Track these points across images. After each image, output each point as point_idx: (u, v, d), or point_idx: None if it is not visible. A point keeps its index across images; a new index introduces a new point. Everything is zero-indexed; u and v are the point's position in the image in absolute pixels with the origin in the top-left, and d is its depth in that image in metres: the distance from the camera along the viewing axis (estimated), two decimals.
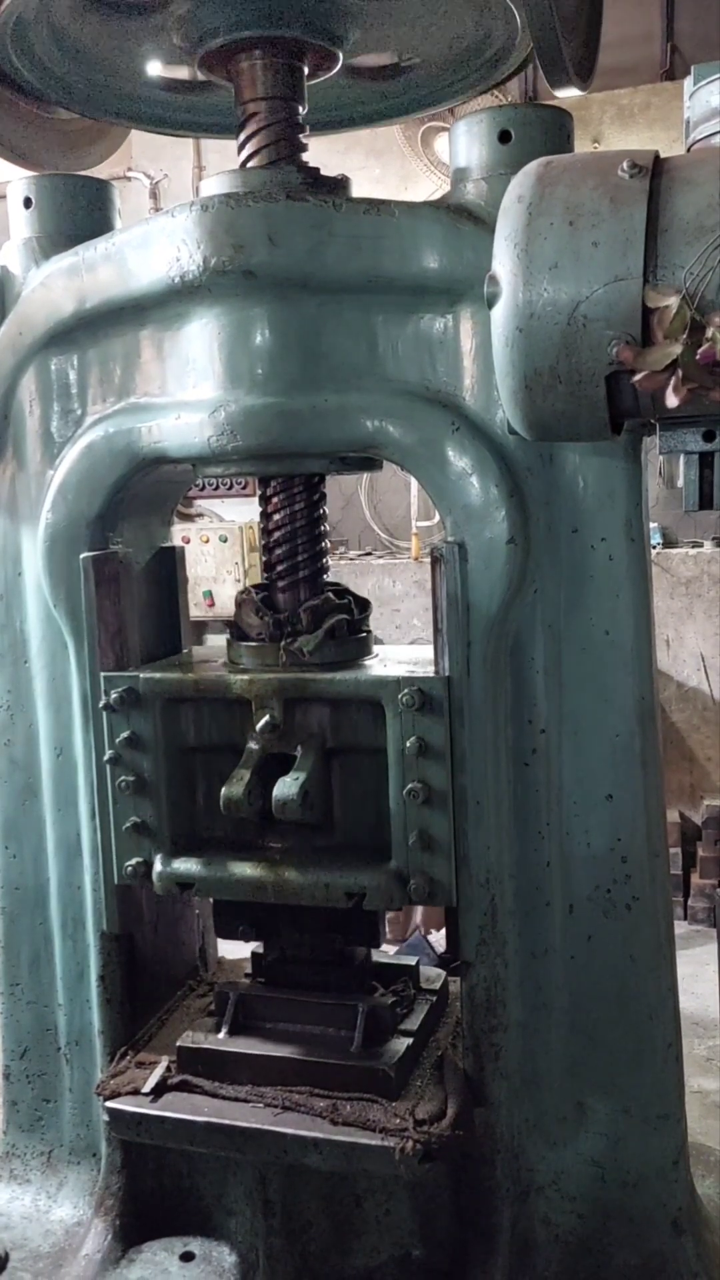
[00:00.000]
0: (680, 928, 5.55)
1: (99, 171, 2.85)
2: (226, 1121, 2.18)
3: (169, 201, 7.48)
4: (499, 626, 2.16)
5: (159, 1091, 2.27)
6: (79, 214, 2.44)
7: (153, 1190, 2.50)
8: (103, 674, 2.30)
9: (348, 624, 2.36)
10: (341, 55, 2.38)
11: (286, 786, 2.14)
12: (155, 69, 2.47)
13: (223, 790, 2.18)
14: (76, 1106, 2.60)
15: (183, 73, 2.49)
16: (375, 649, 2.43)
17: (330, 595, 2.39)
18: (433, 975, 2.55)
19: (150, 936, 2.53)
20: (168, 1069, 2.31)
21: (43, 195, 2.44)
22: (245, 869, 2.24)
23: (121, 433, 2.30)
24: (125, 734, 2.27)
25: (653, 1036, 2.29)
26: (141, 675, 2.28)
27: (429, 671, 2.17)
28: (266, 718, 2.22)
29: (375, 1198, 2.35)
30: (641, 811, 2.24)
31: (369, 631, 2.44)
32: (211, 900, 2.46)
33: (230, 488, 6.50)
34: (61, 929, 2.57)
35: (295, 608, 2.37)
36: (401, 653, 2.44)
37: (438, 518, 2.30)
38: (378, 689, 2.15)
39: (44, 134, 2.67)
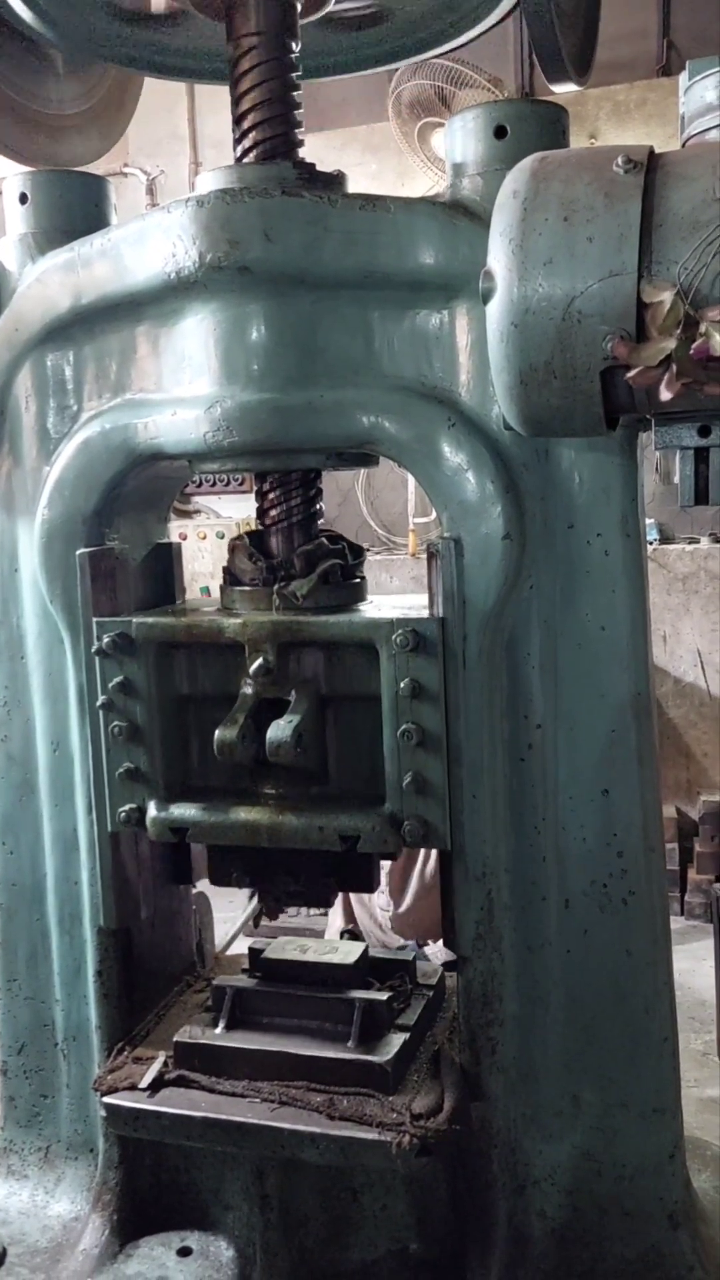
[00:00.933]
0: (677, 923, 5.57)
1: (95, 167, 2.85)
2: (223, 1116, 2.19)
3: (166, 197, 7.47)
4: (495, 621, 2.17)
5: (156, 1087, 2.27)
6: (75, 210, 2.44)
7: (150, 1185, 2.50)
8: (95, 619, 2.29)
9: (341, 569, 2.36)
10: None
11: (280, 729, 2.14)
12: (148, 6, 2.44)
13: (216, 733, 2.17)
14: (74, 1102, 2.61)
15: (174, 7, 2.46)
16: (369, 597, 2.42)
17: (324, 540, 2.39)
18: (429, 970, 2.55)
19: (147, 932, 2.54)
20: (165, 1064, 2.31)
21: (39, 191, 2.44)
22: (240, 813, 2.24)
23: (118, 429, 2.30)
24: (118, 679, 2.27)
25: (649, 1031, 2.29)
26: (134, 620, 2.28)
27: (423, 614, 2.17)
28: (260, 661, 2.21)
29: (372, 1192, 2.36)
30: (638, 806, 2.24)
31: (362, 578, 2.43)
32: (206, 848, 2.45)
33: (227, 484, 6.50)
34: (59, 924, 2.57)
35: (289, 553, 2.36)
36: (394, 600, 2.44)
37: (434, 514, 2.31)
38: (371, 631, 2.15)
39: (35, 127, 2.67)
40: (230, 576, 2.42)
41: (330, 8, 2.42)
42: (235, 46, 2.31)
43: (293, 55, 2.34)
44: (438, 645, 2.11)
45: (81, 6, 2.43)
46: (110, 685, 2.28)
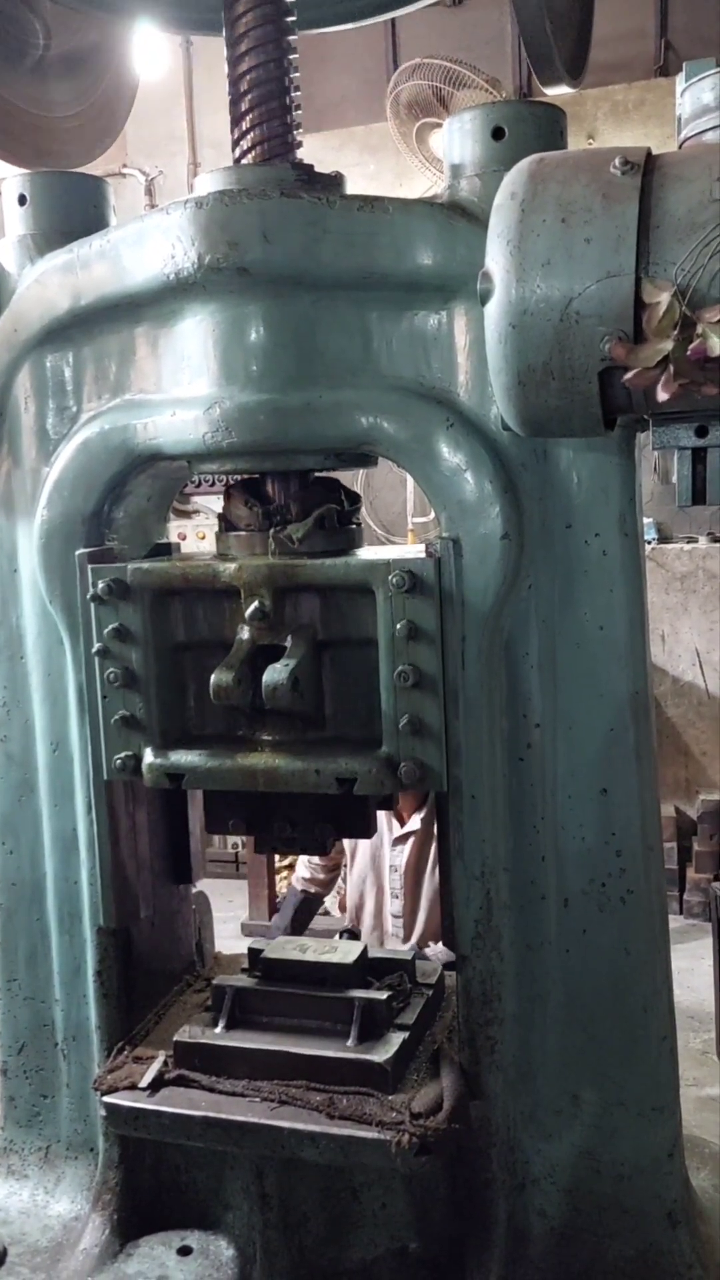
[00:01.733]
0: (676, 922, 5.58)
1: (94, 167, 2.85)
2: (223, 1116, 2.19)
3: (164, 197, 7.48)
4: (494, 621, 2.17)
5: (156, 1086, 2.27)
6: (74, 211, 2.44)
7: (150, 1185, 2.51)
8: (90, 565, 2.27)
9: (337, 514, 2.34)
10: None
11: (276, 672, 2.13)
12: None
13: (213, 677, 2.16)
14: (74, 1102, 2.61)
15: None
16: (365, 545, 2.42)
17: (320, 487, 2.38)
18: (429, 969, 2.56)
19: (147, 932, 2.54)
20: (165, 1064, 2.32)
21: (38, 192, 2.44)
22: (236, 759, 2.23)
23: (117, 429, 2.30)
24: (114, 625, 2.26)
25: (647, 1029, 2.30)
26: (129, 566, 2.27)
27: (420, 555, 2.16)
28: (256, 605, 2.20)
29: (372, 1191, 2.36)
30: (636, 806, 2.25)
31: (359, 524, 2.43)
32: (201, 795, 2.44)
33: (226, 483, 6.50)
34: (58, 924, 2.57)
35: (284, 498, 2.36)
36: (390, 548, 2.42)
37: (433, 514, 2.31)
38: (367, 573, 2.14)
39: (31, 129, 2.68)
40: (226, 523, 2.40)
41: None
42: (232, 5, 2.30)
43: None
44: (434, 586, 2.10)
45: None
46: (105, 631, 2.26)
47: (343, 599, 2.22)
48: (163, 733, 2.29)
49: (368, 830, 2.39)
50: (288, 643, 2.20)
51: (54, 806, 2.53)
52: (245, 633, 2.21)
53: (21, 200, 2.44)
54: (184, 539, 6.35)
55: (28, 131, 2.63)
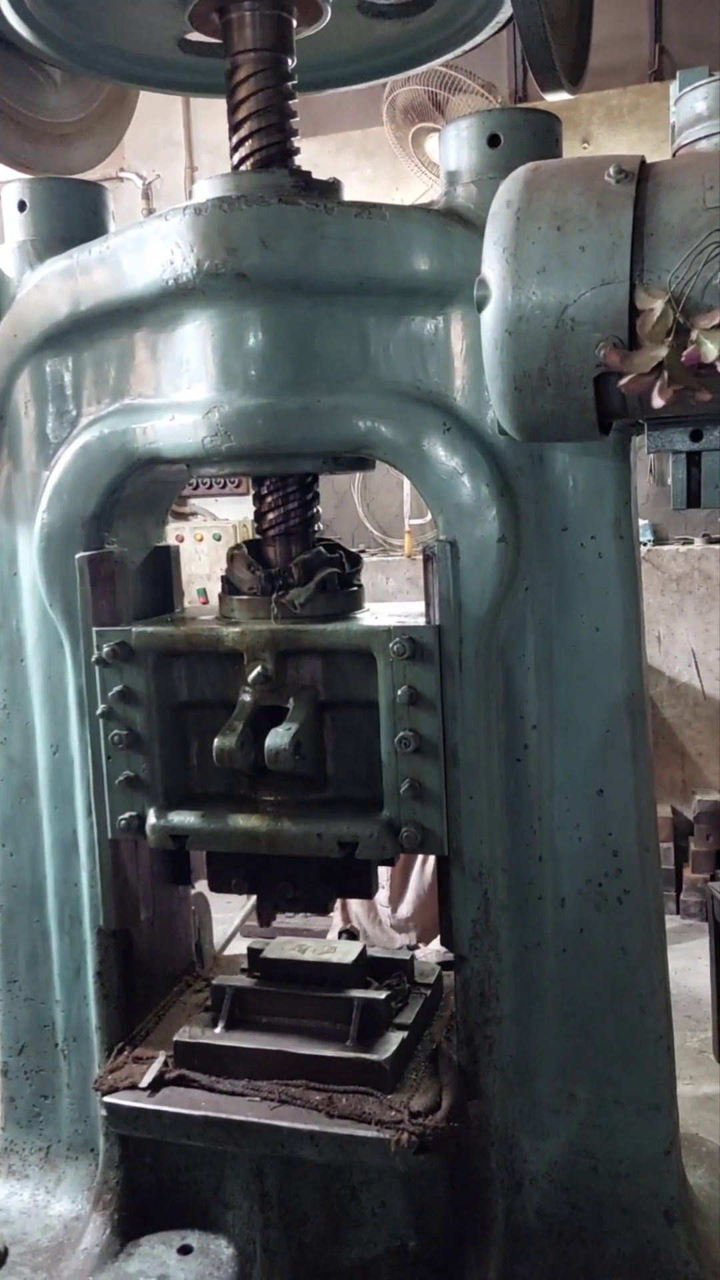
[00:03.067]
0: (673, 922, 5.58)
1: (92, 172, 2.87)
2: (223, 1115, 2.21)
3: (162, 202, 7.49)
4: (490, 623, 2.19)
5: (156, 1086, 2.29)
6: (73, 217, 2.46)
7: (150, 1184, 2.52)
8: (95, 628, 2.31)
9: (339, 578, 2.38)
10: (328, 9, 2.39)
11: (279, 736, 2.16)
12: (147, 24, 2.46)
13: (216, 741, 2.19)
14: (74, 1102, 2.63)
15: (174, 30, 2.49)
16: (366, 605, 2.45)
17: (321, 549, 2.41)
18: (427, 969, 2.57)
19: (147, 933, 2.56)
20: (165, 1064, 2.33)
21: (37, 198, 2.46)
22: (239, 820, 2.27)
23: (116, 433, 2.32)
24: (118, 688, 2.29)
25: (644, 1028, 2.32)
26: (134, 629, 2.30)
27: (420, 622, 2.19)
28: (259, 669, 2.24)
29: (371, 1190, 2.38)
30: (632, 806, 2.27)
31: (360, 586, 2.46)
32: (205, 855, 2.47)
33: (224, 486, 6.52)
34: (59, 926, 2.59)
35: (286, 562, 2.39)
36: (392, 607, 2.47)
37: (430, 516, 2.33)
38: (369, 638, 2.18)
39: (33, 135, 2.69)
40: (229, 585, 2.44)
41: (325, 20, 2.44)
42: (232, 62, 2.34)
43: (288, 67, 2.37)
44: (434, 653, 2.14)
45: (86, 26, 2.45)
46: (110, 694, 2.30)
47: (344, 661, 2.26)
48: (166, 793, 2.33)
49: (369, 891, 2.44)
50: (289, 704, 2.23)
51: (54, 809, 2.55)
52: (247, 695, 2.25)
53: (21, 206, 2.46)
54: (181, 540, 6.36)
55: (29, 137, 2.65)
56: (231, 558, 2.44)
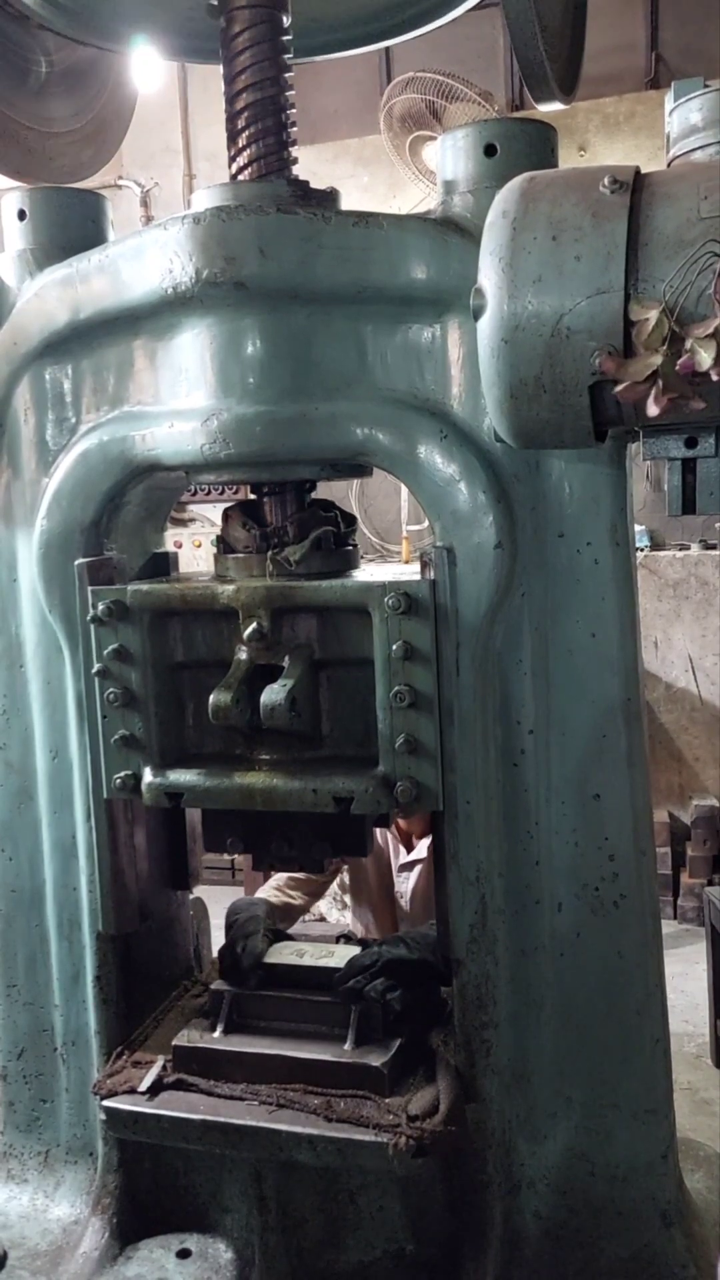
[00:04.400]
0: (670, 927, 5.60)
1: (90, 180, 2.89)
2: (222, 1119, 2.22)
3: (160, 209, 7.52)
4: (487, 629, 2.20)
5: (155, 1090, 2.30)
6: (72, 226, 2.48)
7: (149, 1188, 2.53)
8: (90, 587, 2.30)
9: (334, 536, 2.38)
10: None
11: (274, 693, 2.16)
12: None
13: (211, 697, 2.19)
14: (73, 1106, 2.63)
15: None
16: (361, 565, 2.45)
17: (317, 509, 2.42)
18: None
19: (145, 937, 2.57)
20: (164, 1068, 2.34)
21: (37, 207, 2.48)
22: (235, 778, 2.26)
23: (115, 440, 2.34)
24: (113, 646, 2.28)
25: (641, 1032, 2.33)
26: (129, 588, 2.29)
27: (415, 577, 2.20)
28: (254, 626, 2.23)
29: (369, 1193, 2.38)
30: (628, 810, 2.28)
31: (355, 546, 2.46)
32: (200, 814, 2.47)
33: (222, 492, 6.52)
34: (58, 930, 2.60)
35: (282, 520, 2.39)
36: (386, 568, 2.47)
37: (427, 522, 2.34)
38: (364, 594, 2.17)
39: (31, 145, 2.71)
40: (224, 545, 2.44)
41: None
42: (228, 22, 2.33)
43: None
44: (429, 607, 2.13)
45: None
46: (105, 652, 2.29)
47: (340, 619, 2.26)
48: (161, 752, 2.32)
49: (364, 849, 2.42)
50: (285, 662, 2.23)
51: (53, 814, 2.56)
52: (243, 653, 2.24)
53: (21, 215, 2.47)
54: (180, 547, 6.38)
55: (28, 147, 2.67)
56: (227, 517, 2.43)
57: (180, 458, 2.27)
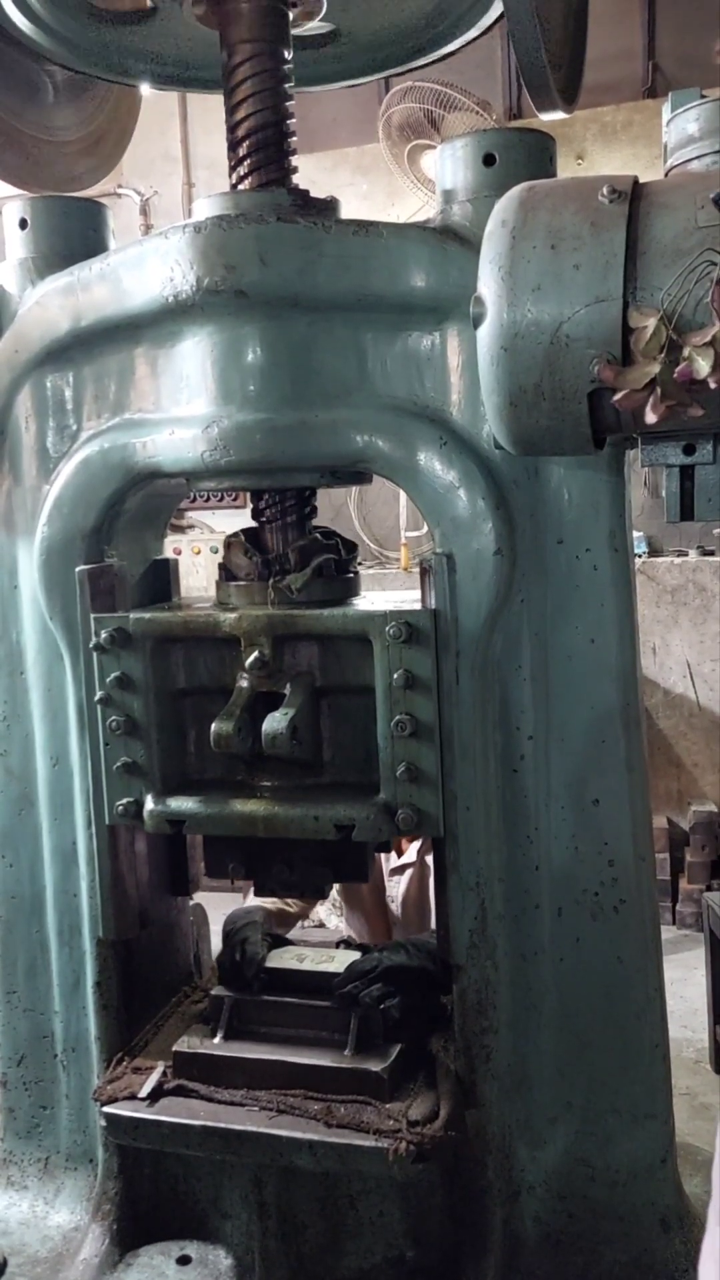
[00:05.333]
0: (669, 932, 5.60)
1: (90, 189, 2.90)
2: (222, 1125, 2.22)
3: (159, 217, 7.54)
4: (487, 635, 2.21)
5: (155, 1096, 2.30)
6: (74, 234, 2.49)
7: (149, 1195, 2.53)
8: (93, 615, 2.32)
9: (335, 564, 2.40)
10: (325, 2, 2.42)
11: (276, 721, 2.17)
12: (143, 17, 2.49)
13: (213, 725, 2.20)
14: (73, 1113, 2.63)
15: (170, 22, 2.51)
16: (362, 592, 2.47)
17: (318, 536, 2.43)
18: None
19: (145, 943, 2.57)
20: (164, 1074, 2.34)
21: (38, 216, 2.49)
22: (236, 805, 2.27)
23: (116, 448, 2.35)
24: (115, 674, 2.30)
25: (640, 1037, 2.33)
26: (132, 615, 2.31)
27: (415, 606, 2.21)
28: (256, 654, 2.25)
29: (369, 1199, 2.39)
30: (628, 816, 2.29)
31: (356, 573, 2.48)
32: (202, 840, 2.48)
33: (221, 499, 6.55)
34: (58, 936, 2.60)
35: (283, 548, 2.41)
36: (387, 595, 2.49)
37: (426, 528, 2.36)
38: (365, 623, 2.19)
39: (34, 153, 2.72)
40: (226, 572, 2.45)
41: (321, 14, 2.46)
42: (229, 54, 2.35)
43: (286, 65, 2.39)
44: (430, 636, 2.15)
45: (76, 11, 2.46)
46: (108, 680, 2.30)
47: (341, 646, 2.27)
48: (163, 778, 2.34)
49: (365, 874, 2.44)
50: (286, 690, 2.25)
51: (54, 820, 2.56)
52: (245, 681, 2.26)
53: (23, 224, 2.49)
54: (179, 554, 6.38)
55: (31, 156, 2.68)
56: (229, 544, 2.45)
57: (181, 465, 2.28)
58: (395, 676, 2.15)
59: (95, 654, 2.30)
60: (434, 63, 2.74)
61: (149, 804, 2.31)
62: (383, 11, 2.49)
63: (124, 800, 2.33)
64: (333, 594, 2.36)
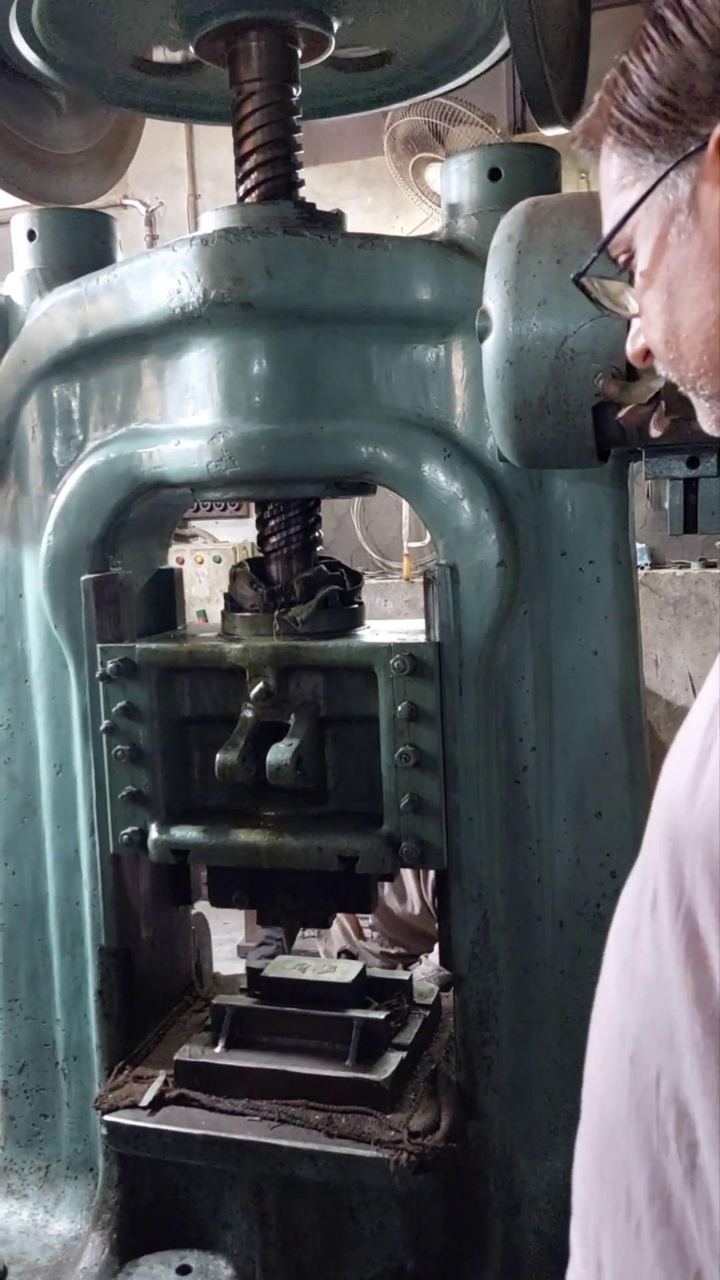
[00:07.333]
0: None
1: (96, 201, 2.91)
2: (224, 1134, 2.21)
3: (165, 229, 7.58)
4: (490, 646, 2.22)
5: (157, 1105, 2.30)
6: (81, 246, 2.51)
7: (150, 1204, 2.52)
8: (99, 645, 2.33)
9: (340, 595, 2.41)
10: (333, 40, 2.44)
11: (280, 752, 2.18)
12: (152, 53, 2.52)
13: (218, 756, 2.21)
14: (74, 1121, 2.63)
15: (178, 56, 2.54)
16: (367, 622, 2.48)
17: (323, 567, 2.45)
18: (426, 990, 2.59)
19: (147, 952, 2.57)
20: (165, 1083, 2.34)
21: (46, 228, 2.51)
22: (240, 835, 2.28)
23: (122, 458, 2.36)
24: (121, 704, 2.31)
25: None
26: (138, 646, 2.32)
27: (420, 639, 2.22)
28: (260, 685, 2.26)
29: (369, 1210, 2.38)
30: (629, 829, 2.29)
31: (360, 603, 2.49)
32: (205, 869, 2.49)
33: (224, 509, 6.56)
34: (60, 944, 2.60)
35: (288, 579, 2.42)
36: (392, 624, 2.50)
37: (428, 538, 2.37)
38: (370, 655, 2.20)
39: (39, 165, 2.74)
40: (231, 603, 2.47)
41: (330, 52, 2.49)
42: (238, 91, 2.39)
43: (293, 99, 2.42)
44: (434, 668, 2.16)
45: (94, 53, 2.49)
46: (114, 710, 2.32)
47: (345, 677, 2.29)
48: (168, 808, 2.35)
49: (369, 906, 2.45)
50: (290, 719, 2.26)
51: (56, 828, 2.57)
52: (249, 711, 2.27)
53: (31, 236, 2.50)
54: (181, 563, 6.39)
55: (37, 167, 2.70)
56: (234, 575, 2.47)
57: (186, 475, 2.29)
58: (399, 709, 2.16)
59: (101, 684, 2.32)
60: (460, 87, 2.76)
61: (153, 833, 2.32)
62: (408, 33, 2.50)
63: (129, 829, 2.35)
64: (337, 625, 2.38)
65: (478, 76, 2.71)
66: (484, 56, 2.56)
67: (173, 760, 2.38)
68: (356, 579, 2.51)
